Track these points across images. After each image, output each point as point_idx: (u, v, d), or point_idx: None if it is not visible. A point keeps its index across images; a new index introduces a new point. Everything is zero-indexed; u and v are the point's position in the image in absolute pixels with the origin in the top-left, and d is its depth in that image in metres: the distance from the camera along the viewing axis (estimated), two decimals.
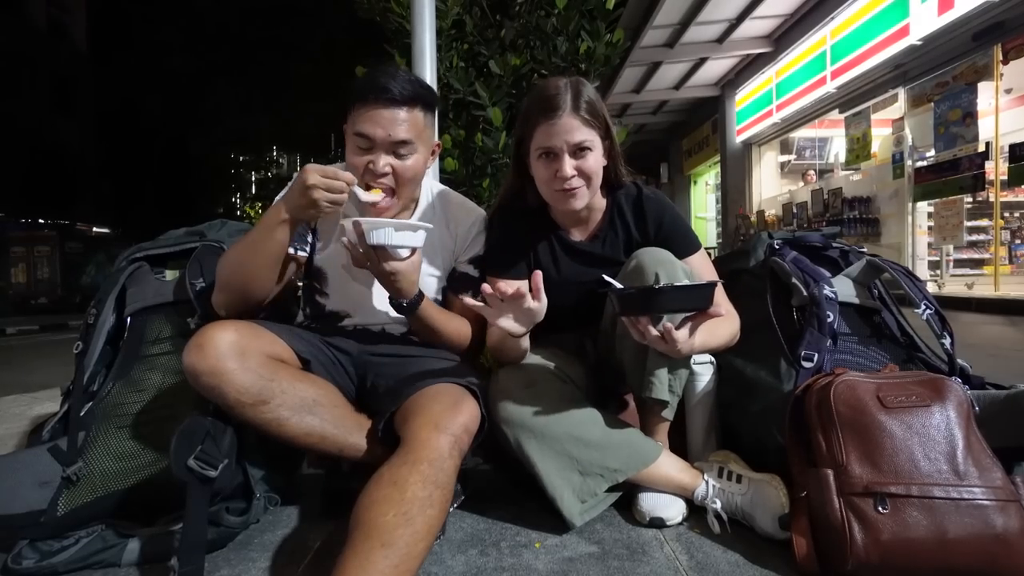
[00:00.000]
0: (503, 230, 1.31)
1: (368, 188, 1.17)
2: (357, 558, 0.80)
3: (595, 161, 1.18)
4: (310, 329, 1.29)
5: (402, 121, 1.15)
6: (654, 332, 0.97)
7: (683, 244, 1.26)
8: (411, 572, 0.82)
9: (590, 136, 1.16)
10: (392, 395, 1.10)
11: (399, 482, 0.88)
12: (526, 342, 1.13)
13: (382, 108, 1.14)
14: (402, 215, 1.33)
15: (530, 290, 0.99)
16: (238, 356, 0.99)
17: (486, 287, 0.99)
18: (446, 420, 0.98)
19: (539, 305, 1.01)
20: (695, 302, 0.95)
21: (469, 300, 1.07)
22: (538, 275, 1.00)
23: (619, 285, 1.01)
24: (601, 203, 1.30)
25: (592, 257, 1.29)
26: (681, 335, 0.97)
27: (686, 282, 1.06)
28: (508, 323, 1.03)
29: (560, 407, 1.12)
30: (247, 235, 1.16)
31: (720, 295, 1.20)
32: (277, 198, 1.26)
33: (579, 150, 1.16)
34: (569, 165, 1.16)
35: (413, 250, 1.09)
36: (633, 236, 1.29)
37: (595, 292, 1.23)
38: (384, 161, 1.15)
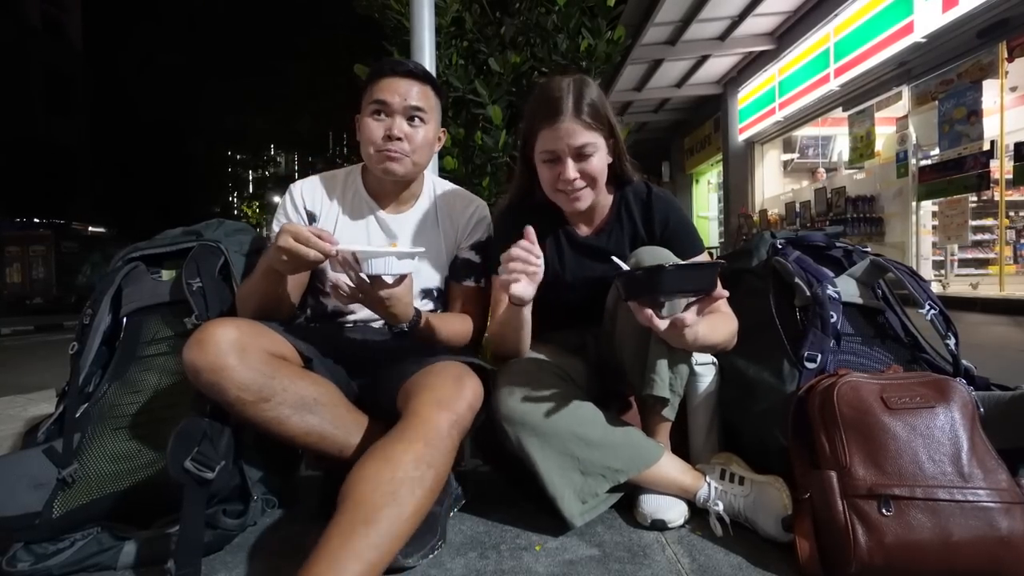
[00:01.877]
0: (511, 228, 1.31)
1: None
2: (340, 535, 0.80)
3: (599, 162, 1.19)
4: (312, 327, 1.29)
5: (417, 91, 1.25)
6: (659, 317, 0.96)
7: (687, 245, 1.25)
8: (392, 552, 0.82)
9: (592, 139, 1.17)
10: (396, 375, 1.09)
11: (391, 459, 0.87)
12: (528, 315, 1.12)
13: (399, 78, 1.25)
14: (403, 209, 1.34)
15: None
16: (239, 353, 0.98)
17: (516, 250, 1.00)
18: (449, 397, 0.97)
19: (540, 260, 1.03)
20: (700, 283, 0.95)
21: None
22: (528, 229, 1.03)
23: (626, 266, 1.00)
24: (607, 198, 1.31)
25: (596, 251, 1.29)
26: (689, 317, 0.95)
27: (691, 261, 1.05)
28: (518, 287, 1.01)
29: (562, 405, 1.12)
30: (253, 273, 1.18)
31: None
32: (274, 219, 1.29)
33: (582, 154, 1.17)
34: (572, 169, 1.17)
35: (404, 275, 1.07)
36: (639, 233, 1.29)
37: (598, 289, 1.23)
38: (399, 124, 1.23)
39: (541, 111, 1.18)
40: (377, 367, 1.21)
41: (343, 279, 1.07)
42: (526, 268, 1.01)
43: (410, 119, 1.25)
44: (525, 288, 1.02)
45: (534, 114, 1.21)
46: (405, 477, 0.86)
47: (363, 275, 1.01)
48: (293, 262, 1.01)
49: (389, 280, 1.04)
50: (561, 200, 1.22)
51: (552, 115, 1.15)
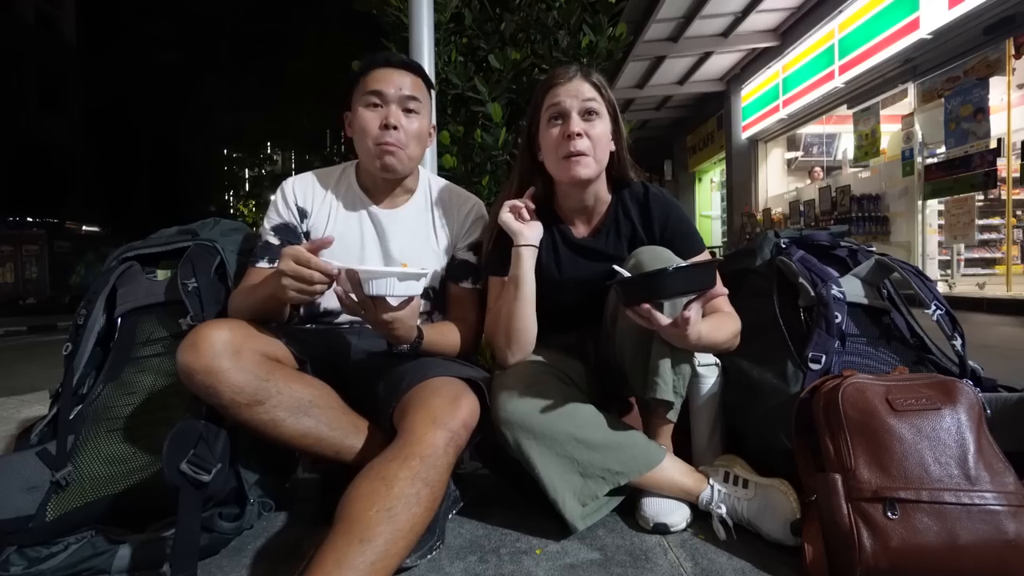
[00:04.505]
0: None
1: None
2: (335, 552, 0.79)
3: (602, 131, 1.20)
4: (307, 328, 1.28)
5: (410, 82, 1.27)
6: (661, 317, 0.95)
7: (688, 244, 1.23)
8: (388, 570, 0.81)
9: (598, 99, 1.20)
10: (391, 390, 1.08)
11: (387, 477, 0.87)
12: (532, 287, 1.20)
13: (393, 69, 1.26)
14: (397, 204, 1.33)
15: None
16: (233, 355, 0.97)
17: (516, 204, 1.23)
18: (445, 415, 0.96)
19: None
20: (699, 282, 0.94)
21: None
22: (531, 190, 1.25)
23: (626, 272, 0.99)
24: (606, 197, 1.29)
25: (594, 252, 1.27)
26: (691, 316, 0.94)
27: (687, 263, 1.05)
28: (520, 226, 1.19)
29: (561, 408, 1.10)
30: (252, 290, 1.15)
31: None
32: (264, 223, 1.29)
33: (588, 112, 1.19)
34: (578, 124, 1.17)
35: (411, 297, 1.03)
36: (638, 234, 1.27)
37: (596, 290, 1.21)
38: (395, 113, 1.24)
39: (551, 77, 1.23)
40: (372, 369, 1.19)
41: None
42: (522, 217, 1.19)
43: (405, 110, 1.25)
44: (524, 228, 1.18)
45: (544, 83, 1.24)
46: (401, 494, 0.85)
47: (366, 295, 0.97)
48: (298, 284, 0.96)
49: (393, 302, 1.00)
50: (564, 169, 1.19)
51: (562, 76, 1.21)
